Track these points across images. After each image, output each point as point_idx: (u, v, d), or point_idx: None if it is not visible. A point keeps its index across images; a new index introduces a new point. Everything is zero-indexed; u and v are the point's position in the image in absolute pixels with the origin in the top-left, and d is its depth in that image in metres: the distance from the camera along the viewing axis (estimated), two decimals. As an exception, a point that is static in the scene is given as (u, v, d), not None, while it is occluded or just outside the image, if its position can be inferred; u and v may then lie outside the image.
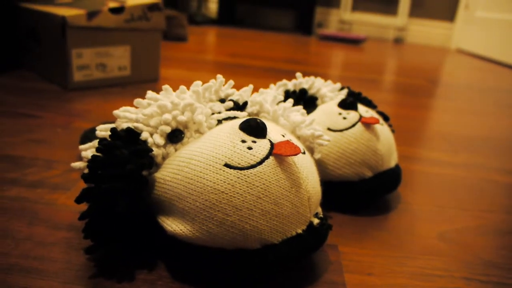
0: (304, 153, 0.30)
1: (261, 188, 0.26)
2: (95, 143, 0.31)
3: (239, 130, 0.28)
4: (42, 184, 0.39)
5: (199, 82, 0.33)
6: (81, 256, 0.29)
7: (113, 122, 0.51)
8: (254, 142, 0.27)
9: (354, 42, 2.13)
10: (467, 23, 2.28)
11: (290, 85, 0.44)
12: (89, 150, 0.31)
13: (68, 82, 0.70)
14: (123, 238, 0.28)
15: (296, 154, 0.27)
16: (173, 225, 0.27)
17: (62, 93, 0.69)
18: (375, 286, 0.29)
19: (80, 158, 0.44)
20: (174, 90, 0.42)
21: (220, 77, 0.35)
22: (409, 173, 0.50)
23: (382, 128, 0.40)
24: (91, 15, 0.69)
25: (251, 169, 0.26)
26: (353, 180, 0.38)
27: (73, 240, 0.31)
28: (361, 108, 0.41)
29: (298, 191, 0.27)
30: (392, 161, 0.41)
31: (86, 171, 0.28)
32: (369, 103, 0.46)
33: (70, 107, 0.62)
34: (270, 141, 0.28)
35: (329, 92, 0.45)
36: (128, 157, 0.27)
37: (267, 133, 0.29)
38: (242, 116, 0.32)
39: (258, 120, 0.28)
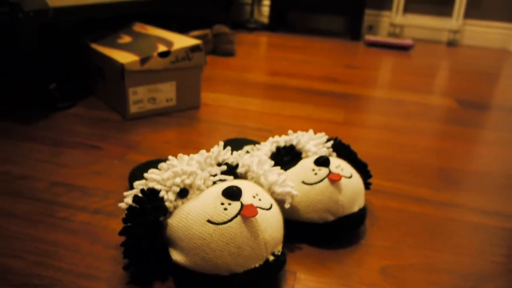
0: (269, 208, 0.43)
1: (229, 237, 0.40)
2: (134, 192, 0.47)
3: (221, 195, 0.42)
4: (101, 211, 0.55)
5: (203, 152, 0.48)
6: (121, 269, 0.45)
7: (156, 160, 0.67)
8: (230, 204, 0.41)
9: (402, 48, 2.15)
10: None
11: (282, 141, 0.57)
12: (129, 197, 0.47)
13: (126, 113, 0.88)
14: (147, 260, 0.44)
15: (254, 216, 0.40)
16: (176, 255, 0.42)
17: (121, 123, 0.86)
18: (314, 305, 0.42)
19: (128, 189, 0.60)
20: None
21: (221, 144, 0.49)
22: (384, 210, 0.61)
23: (347, 182, 0.52)
24: (144, 60, 0.86)
25: (224, 224, 0.40)
26: (318, 222, 0.50)
27: (118, 257, 0.47)
28: (335, 163, 0.53)
29: (256, 239, 0.40)
30: (356, 207, 0.52)
31: (124, 216, 0.44)
32: (349, 154, 0.58)
33: (125, 138, 0.79)
34: (241, 203, 0.41)
35: (314, 147, 0.57)
36: (150, 210, 0.42)
37: (242, 195, 0.42)
38: (230, 179, 0.46)
39: (235, 188, 0.42)
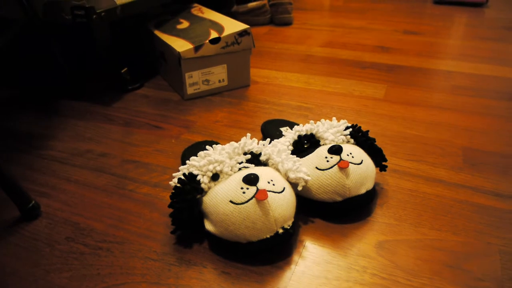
0: (281, 191, 0.54)
1: (246, 214, 0.52)
2: (179, 175, 0.60)
3: (241, 181, 0.54)
4: (159, 185, 0.70)
5: (233, 143, 0.59)
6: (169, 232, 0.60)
7: (203, 142, 0.80)
8: (248, 188, 0.53)
9: (473, 5, 2.02)
10: None
11: (304, 130, 0.66)
12: (175, 178, 0.60)
13: (184, 95, 1.02)
14: (188, 227, 0.57)
15: (264, 199, 0.51)
16: (207, 225, 0.55)
17: (180, 103, 1.00)
18: (311, 269, 0.53)
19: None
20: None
21: (248, 136, 0.60)
22: (397, 190, 0.68)
23: (356, 168, 0.60)
24: (197, 48, 0.98)
25: (242, 204, 0.52)
26: (328, 201, 0.60)
27: (169, 223, 0.62)
28: (347, 150, 0.62)
29: (267, 216, 0.52)
30: (363, 189, 0.61)
31: (171, 193, 0.58)
32: (365, 141, 0.66)
33: (182, 118, 0.93)
34: (257, 188, 0.53)
35: (331, 135, 0.65)
36: (189, 190, 0.56)
37: (258, 181, 0.54)
38: (252, 167, 0.58)
39: (252, 176, 0.53)
